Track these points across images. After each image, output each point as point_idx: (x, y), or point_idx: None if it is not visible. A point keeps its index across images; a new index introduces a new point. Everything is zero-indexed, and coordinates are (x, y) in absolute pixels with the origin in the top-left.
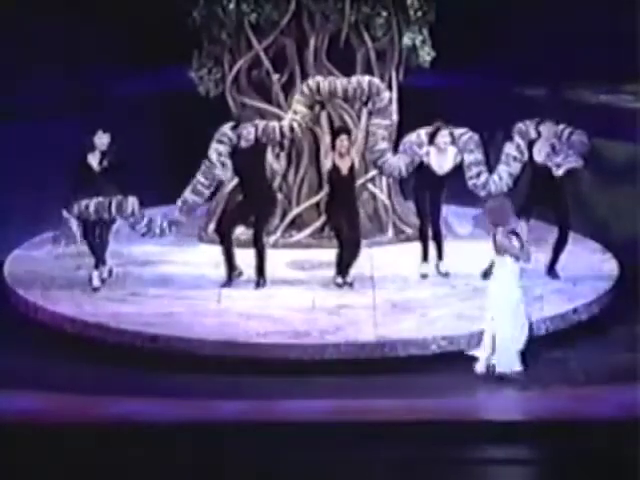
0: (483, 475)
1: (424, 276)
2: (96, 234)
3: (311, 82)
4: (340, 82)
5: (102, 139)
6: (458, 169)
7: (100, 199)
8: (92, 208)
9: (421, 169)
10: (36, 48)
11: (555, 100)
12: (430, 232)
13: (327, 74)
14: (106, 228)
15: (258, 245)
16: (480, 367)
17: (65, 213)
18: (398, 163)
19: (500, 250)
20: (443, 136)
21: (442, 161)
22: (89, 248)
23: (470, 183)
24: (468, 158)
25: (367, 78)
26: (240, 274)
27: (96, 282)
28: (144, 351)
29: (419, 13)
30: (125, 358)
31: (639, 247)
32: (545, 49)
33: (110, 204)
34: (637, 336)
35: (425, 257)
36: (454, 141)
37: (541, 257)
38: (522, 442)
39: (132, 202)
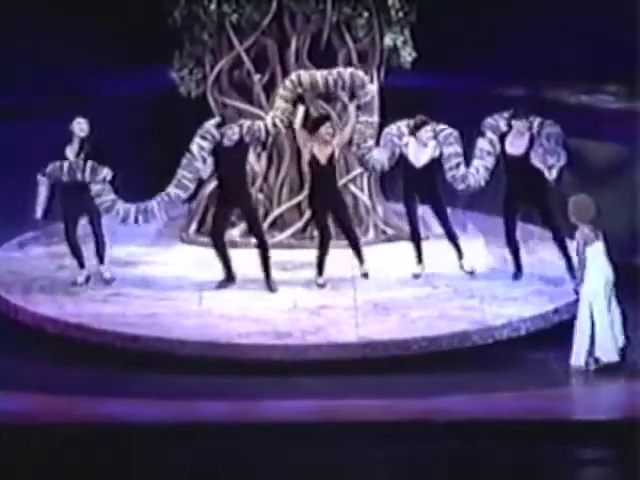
0: (470, 474)
1: (416, 276)
2: (77, 234)
3: (293, 76)
4: (320, 74)
5: (81, 124)
6: (436, 162)
7: (73, 160)
8: (66, 168)
9: (400, 162)
10: (24, 48)
11: (536, 100)
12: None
13: None
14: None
15: (262, 245)
16: (578, 360)
17: (39, 176)
18: (380, 157)
19: (589, 241)
20: (427, 131)
21: (420, 153)
22: (70, 250)
23: (449, 175)
24: (447, 150)
25: (349, 70)
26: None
27: (80, 279)
28: (125, 352)
29: (400, 14)
30: (106, 359)
31: (623, 247)
32: (526, 50)
33: (85, 165)
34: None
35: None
36: (435, 136)
37: (525, 258)
38: (512, 443)
39: (106, 172)
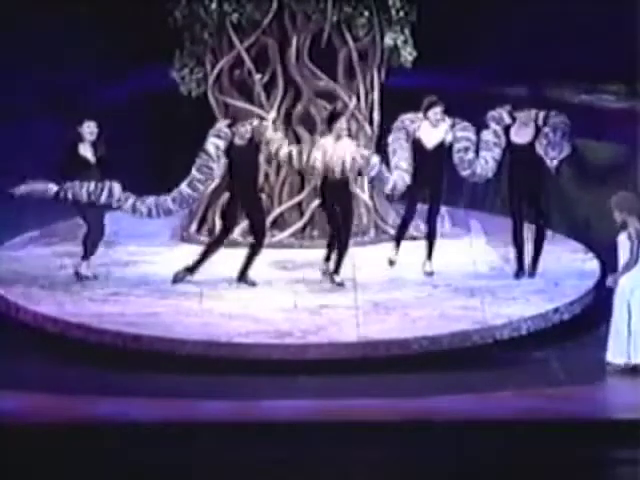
0: (470, 474)
1: (429, 274)
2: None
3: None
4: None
5: (90, 128)
6: (447, 148)
7: (92, 186)
8: (85, 194)
9: (413, 147)
10: (24, 48)
11: (537, 99)
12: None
13: (309, 74)
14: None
15: (257, 246)
16: (619, 360)
17: (50, 184)
18: (402, 154)
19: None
20: (436, 113)
21: (431, 135)
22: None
23: (456, 157)
24: (460, 133)
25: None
26: (253, 284)
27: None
28: (126, 351)
29: (401, 13)
30: (107, 358)
31: None
32: (527, 49)
33: (102, 191)
34: None
35: (429, 255)
36: (453, 125)
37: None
38: (512, 443)
39: (116, 188)
